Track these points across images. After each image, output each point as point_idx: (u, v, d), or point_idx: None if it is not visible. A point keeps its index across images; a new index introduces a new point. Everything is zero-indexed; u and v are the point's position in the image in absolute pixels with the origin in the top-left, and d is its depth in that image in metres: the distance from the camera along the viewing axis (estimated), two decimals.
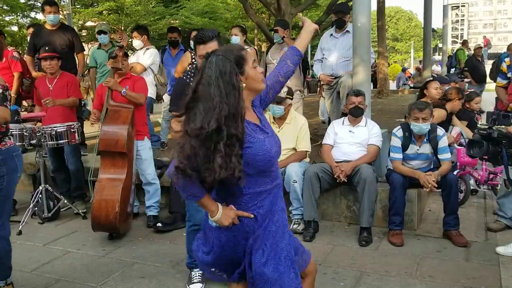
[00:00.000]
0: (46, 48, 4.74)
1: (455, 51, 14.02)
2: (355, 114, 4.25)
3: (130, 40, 5.76)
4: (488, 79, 10.24)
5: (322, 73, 5.29)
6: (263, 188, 1.92)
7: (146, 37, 5.76)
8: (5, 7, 14.37)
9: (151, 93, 5.43)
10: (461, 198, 4.58)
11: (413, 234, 4.06)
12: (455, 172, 4.67)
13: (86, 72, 7.82)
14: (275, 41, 5.48)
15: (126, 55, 4.40)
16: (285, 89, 4.37)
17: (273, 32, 5.62)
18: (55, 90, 4.74)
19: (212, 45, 2.71)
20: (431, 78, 5.66)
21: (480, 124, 4.11)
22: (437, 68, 14.09)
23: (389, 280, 3.21)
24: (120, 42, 4.23)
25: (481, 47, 11.36)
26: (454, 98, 4.96)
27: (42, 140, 4.40)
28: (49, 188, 4.58)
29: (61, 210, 4.79)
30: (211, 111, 1.72)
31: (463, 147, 4.95)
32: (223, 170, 1.71)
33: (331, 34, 5.36)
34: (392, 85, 19.54)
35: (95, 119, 4.35)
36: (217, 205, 1.89)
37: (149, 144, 4.48)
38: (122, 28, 16.32)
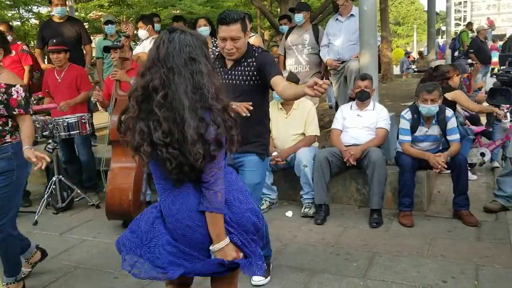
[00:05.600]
0: (54, 40, 4.77)
1: (458, 33, 13.89)
2: (362, 98, 4.27)
3: (136, 31, 5.78)
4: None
5: (329, 58, 5.29)
6: None
7: (151, 26, 5.76)
8: (8, 2, 14.35)
9: None
10: None
11: (423, 215, 4.10)
12: None
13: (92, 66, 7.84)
14: (296, 22, 5.46)
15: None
16: (285, 74, 4.39)
17: (294, 13, 5.56)
18: (64, 82, 4.79)
19: (235, 27, 2.65)
20: (441, 64, 5.65)
21: (499, 69, 4.01)
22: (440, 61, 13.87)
23: (401, 260, 3.26)
24: (126, 32, 4.26)
25: (485, 29, 11.28)
26: (453, 75, 4.95)
27: (54, 131, 4.45)
28: (62, 178, 4.64)
29: (75, 200, 4.86)
30: None
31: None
32: None
33: (337, 19, 5.36)
34: (396, 70, 19.48)
35: (99, 95, 4.45)
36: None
37: None
38: (124, 19, 16.27)
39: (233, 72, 2.82)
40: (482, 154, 5.10)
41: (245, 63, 2.82)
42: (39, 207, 4.47)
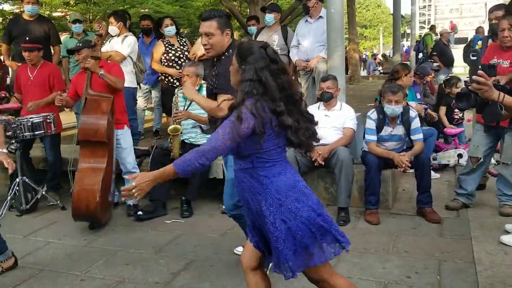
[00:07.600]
0: (27, 38, 4.64)
1: (422, 36, 14.29)
2: (324, 98, 4.35)
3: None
4: (456, 63, 10.52)
5: (298, 59, 5.36)
6: None
7: (122, 24, 5.47)
8: None
9: (131, 81, 5.31)
10: None
11: (388, 213, 4.21)
12: None
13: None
14: (267, 22, 5.54)
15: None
16: None
17: (265, 12, 5.63)
18: (35, 81, 4.67)
19: (208, 24, 2.67)
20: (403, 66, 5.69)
21: (467, 77, 4.13)
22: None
23: (368, 257, 3.34)
24: (99, 31, 4.19)
25: (448, 32, 11.65)
26: (401, 75, 4.90)
27: (18, 131, 4.33)
28: (26, 180, 4.52)
29: (39, 202, 4.74)
30: None
31: None
32: None
33: (306, 20, 5.44)
34: (362, 71, 19.86)
35: (62, 100, 4.25)
36: None
37: (129, 133, 4.46)
38: (91, 17, 15.95)
39: None
40: (460, 155, 5.17)
41: None
42: (2, 209, 4.36)
